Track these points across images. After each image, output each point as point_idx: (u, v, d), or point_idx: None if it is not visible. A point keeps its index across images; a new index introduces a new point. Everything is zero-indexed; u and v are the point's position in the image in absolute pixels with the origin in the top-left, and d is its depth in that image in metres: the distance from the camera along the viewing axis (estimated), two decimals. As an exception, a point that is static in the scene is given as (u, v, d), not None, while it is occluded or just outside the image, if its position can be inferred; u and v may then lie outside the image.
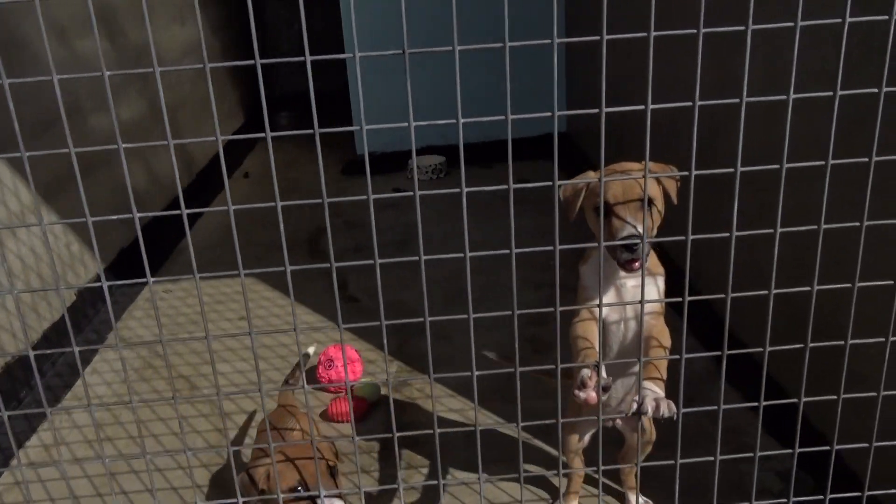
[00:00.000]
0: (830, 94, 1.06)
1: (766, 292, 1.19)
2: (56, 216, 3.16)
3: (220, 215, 4.71)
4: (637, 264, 1.50)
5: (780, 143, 2.24)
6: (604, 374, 1.48)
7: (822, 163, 1.12)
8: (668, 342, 1.59)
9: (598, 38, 1.00)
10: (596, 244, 1.22)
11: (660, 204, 1.58)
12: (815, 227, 1.17)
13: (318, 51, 7.12)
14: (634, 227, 1.48)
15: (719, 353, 1.21)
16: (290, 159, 5.80)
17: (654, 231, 1.59)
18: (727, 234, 1.14)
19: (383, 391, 2.69)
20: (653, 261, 1.66)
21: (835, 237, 1.67)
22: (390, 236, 4.21)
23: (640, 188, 1.51)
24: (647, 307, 1.57)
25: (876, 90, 1.01)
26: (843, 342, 1.24)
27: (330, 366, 2.68)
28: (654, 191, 1.56)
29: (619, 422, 1.87)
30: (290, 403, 2.08)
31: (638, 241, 1.44)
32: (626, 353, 1.65)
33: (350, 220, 4.48)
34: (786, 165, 1.10)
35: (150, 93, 4.30)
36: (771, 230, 1.15)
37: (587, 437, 1.96)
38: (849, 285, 1.20)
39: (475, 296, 3.41)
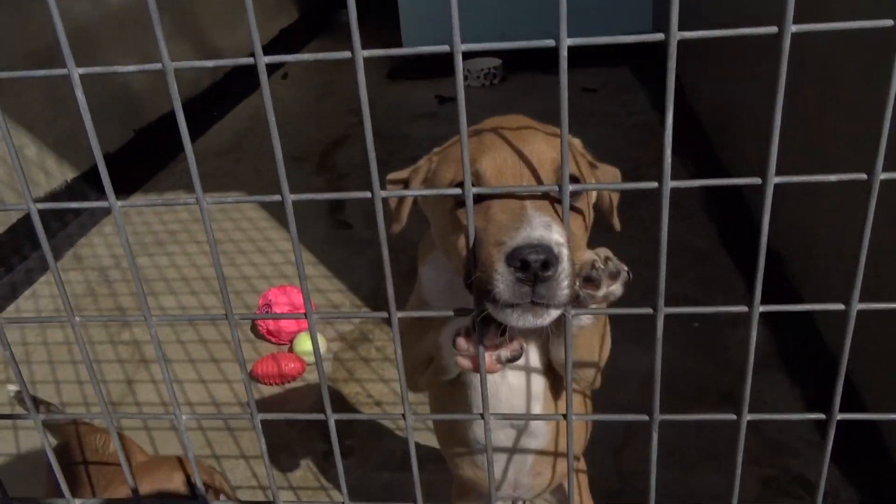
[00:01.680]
0: None
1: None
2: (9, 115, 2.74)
3: (240, 120, 4.22)
4: (540, 320, 0.66)
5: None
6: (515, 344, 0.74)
7: None
8: (598, 353, 0.89)
9: None
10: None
11: (584, 199, 0.79)
12: None
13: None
14: (543, 230, 0.65)
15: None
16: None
17: (580, 250, 0.75)
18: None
19: (328, 348, 2.15)
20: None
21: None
22: (419, 150, 3.58)
23: (550, 159, 0.75)
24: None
25: None
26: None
27: (267, 311, 2.15)
28: (573, 167, 0.78)
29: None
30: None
31: (544, 257, 0.62)
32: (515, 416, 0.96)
33: (377, 130, 3.88)
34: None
35: (154, -24, 3.77)
36: None
37: None
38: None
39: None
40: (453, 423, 1.02)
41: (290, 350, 2.11)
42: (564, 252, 0.64)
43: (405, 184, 0.90)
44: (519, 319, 0.66)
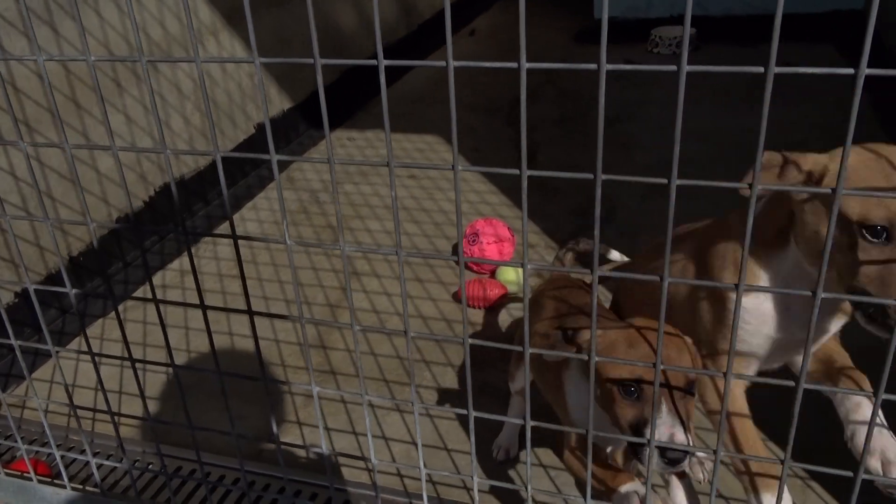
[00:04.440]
0: None
1: None
2: (240, 42, 3.02)
3: (432, 70, 4.39)
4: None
5: None
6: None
7: None
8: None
9: None
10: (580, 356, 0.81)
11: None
12: None
13: None
14: (680, 431, 0.97)
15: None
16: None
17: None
18: None
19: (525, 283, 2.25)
20: None
21: None
22: (607, 112, 3.61)
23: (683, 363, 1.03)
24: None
25: None
26: None
27: (474, 241, 2.28)
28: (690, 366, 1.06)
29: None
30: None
31: (683, 455, 0.96)
32: None
33: (564, 89, 3.93)
34: None
35: (370, -74, 3.98)
36: None
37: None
38: None
39: (682, 189, 2.76)
40: None
41: (493, 277, 2.23)
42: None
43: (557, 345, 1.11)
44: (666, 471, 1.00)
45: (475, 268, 2.31)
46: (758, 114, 3.54)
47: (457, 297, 2.19)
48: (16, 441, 1.67)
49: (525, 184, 0.71)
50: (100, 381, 1.06)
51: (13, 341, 1.12)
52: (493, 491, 1.56)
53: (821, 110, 3.34)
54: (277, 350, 2.08)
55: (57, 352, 1.14)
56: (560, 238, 2.49)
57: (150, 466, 1.58)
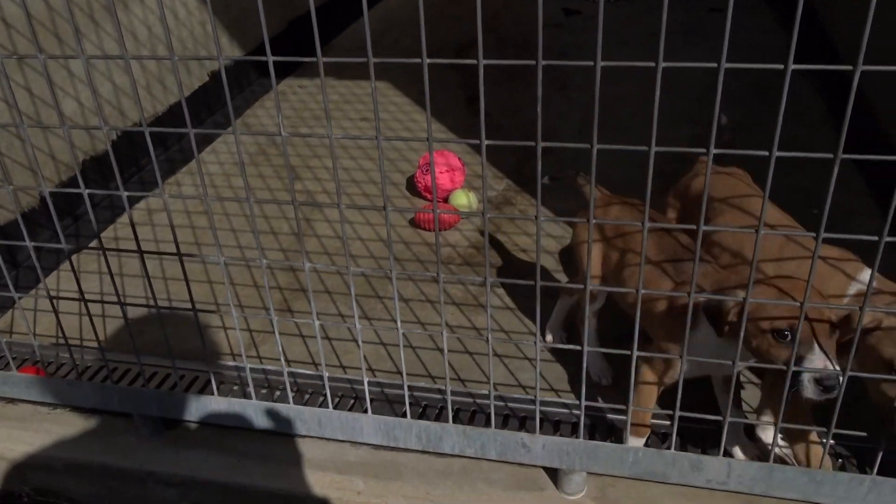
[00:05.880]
0: None
1: None
2: (191, -10, 3.09)
3: (374, 21, 4.50)
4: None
5: None
6: None
7: None
8: None
9: None
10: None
11: None
12: None
13: None
14: (829, 363, 1.15)
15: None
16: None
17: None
18: None
19: (478, 206, 2.45)
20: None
21: None
22: (546, 57, 3.80)
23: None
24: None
25: None
26: None
27: (427, 171, 2.46)
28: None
29: None
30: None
31: (836, 382, 1.15)
32: None
33: (504, 37, 4.10)
34: None
35: None
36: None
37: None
38: None
39: (618, 124, 2.99)
40: None
41: (446, 202, 2.42)
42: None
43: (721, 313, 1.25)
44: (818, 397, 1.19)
45: (429, 196, 2.50)
46: (689, 53, 3.75)
47: (413, 223, 2.38)
48: (32, 343, 1.80)
49: (432, 132, 0.89)
50: (115, 282, 1.21)
51: (28, 242, 1.26)
52: (460, 379, 1.77)
53: (744, 55, 3.60)
54: (249, 273, 2.23)
55: (70, 251, 1.28)
56: (503, 169, 2.69)
57: (157, 372, 1.74)
